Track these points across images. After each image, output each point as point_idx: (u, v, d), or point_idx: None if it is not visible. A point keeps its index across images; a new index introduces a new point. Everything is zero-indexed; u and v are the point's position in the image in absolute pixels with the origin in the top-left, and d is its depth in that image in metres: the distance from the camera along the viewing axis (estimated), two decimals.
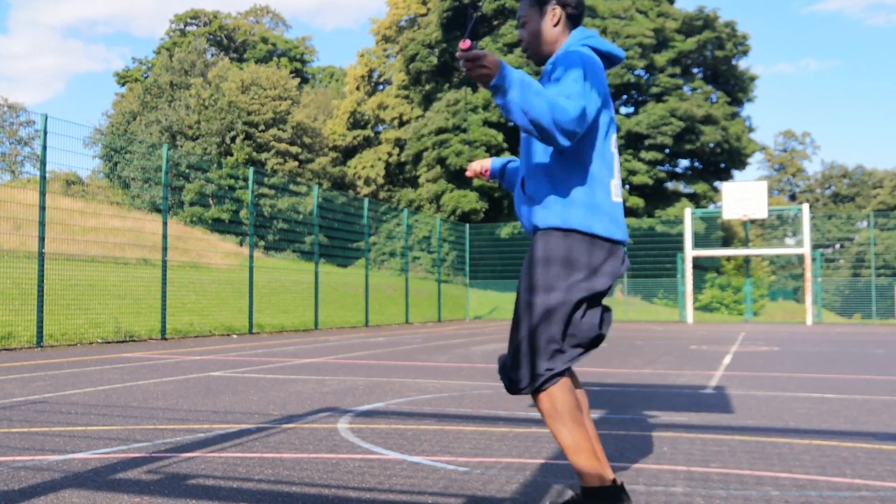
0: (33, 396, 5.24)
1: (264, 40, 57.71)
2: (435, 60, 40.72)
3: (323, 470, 3.03)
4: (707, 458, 3.29)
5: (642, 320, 25.17)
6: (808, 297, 23.37)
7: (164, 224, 12.32)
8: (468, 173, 2.83)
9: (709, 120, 36.45)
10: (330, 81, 58.56)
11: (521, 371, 2.23)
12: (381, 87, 49.91)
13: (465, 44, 2.03)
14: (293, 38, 59.94)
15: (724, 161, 38.58)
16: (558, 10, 2.37)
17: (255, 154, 39.88)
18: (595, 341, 2.33)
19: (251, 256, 14.67)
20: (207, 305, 14.84)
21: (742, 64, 42.94)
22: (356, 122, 47.10)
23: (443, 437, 3.76)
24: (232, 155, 39.62)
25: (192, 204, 33.70)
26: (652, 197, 36.69)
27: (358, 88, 48.63)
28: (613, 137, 2.34)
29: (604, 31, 35.71)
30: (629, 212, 34.61)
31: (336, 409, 4.69)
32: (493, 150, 36.83)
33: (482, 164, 2.80)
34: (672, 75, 37.48)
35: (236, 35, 57.95)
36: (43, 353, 9.23)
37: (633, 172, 35.58)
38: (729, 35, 38.46)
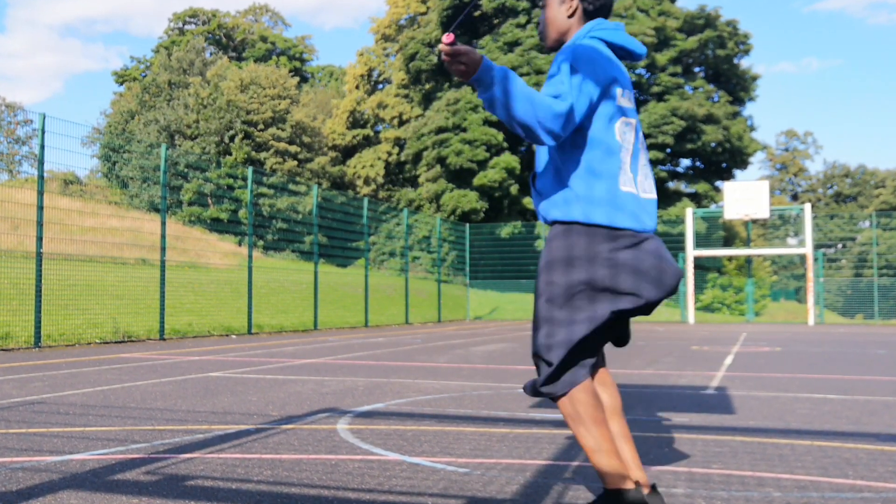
0: (31, 397, 5.22)
1: (263, 39, 57.68)
2: (435, 59, 40.69)
3: (322, 471, 3.01)
4: (708, 459, 3.28)
5: (643, 320, 25.16)
6: (810, 298, 23.33)
7: (163, 224, 12.30)
8: None
9: (710, 119, 36.42)
10: (329, 80, 58.56)
11: (540, 377, 2.23)
12: (380, 86, 49.91)
13: (448, 37, 2.01)
14: (292, 36, 59.98)
15: (725, 160, 38.55)
16: (575, 2, 2.34)
17: (253, 153, 39.87)
18: (618, 339, 2.32)
19: (250, 256, 14.65)
20: (206, 306, 14.83)
21: (744, 63, 42.84)
22: (356, 122, 47.09)
23: (443, 438, 3.74)
24: (231, 154, 39.60)
25: (190, 203, 33.68)
26: None
27: (357, 87, 48.61)
28: (621, 126, 2.25)
29: None
30: None
31: (335, 410, 4.67)
32: (493, 150, 36.82)
33: None
34: (673, 74, 37.43)
35: (235, 34, 57.93)
36: (41, 354, 9.21)
37: None
38: (730, 34, 38.42)
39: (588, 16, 2.37)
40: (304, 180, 38.36)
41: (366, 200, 19.79)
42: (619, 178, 2.24)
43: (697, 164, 39.60)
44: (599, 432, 2.17)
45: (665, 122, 35.41)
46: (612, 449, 2.18)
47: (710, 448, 3.53)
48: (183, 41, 52.37)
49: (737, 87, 39.58)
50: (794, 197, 65.78)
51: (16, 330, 10.17)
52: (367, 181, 44.54)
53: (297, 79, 45.69)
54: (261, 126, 40.22)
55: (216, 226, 31.82)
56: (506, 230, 31.07)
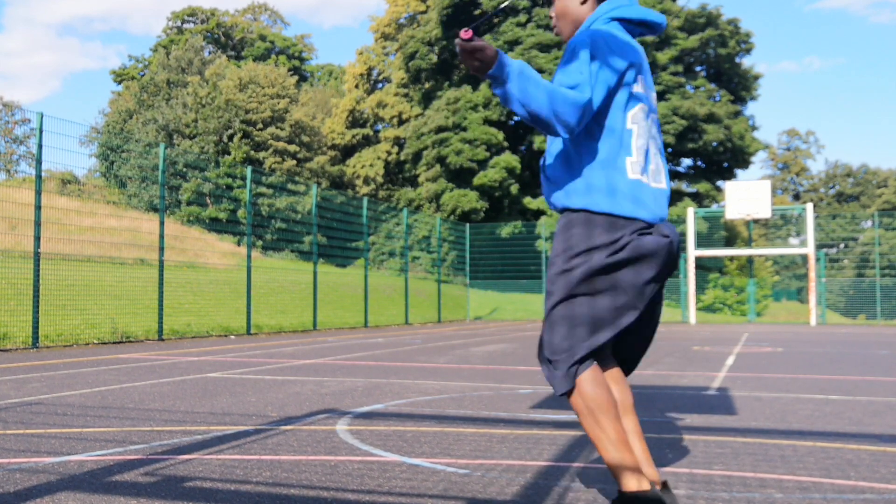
0: (29, 398, 5.20)
1: (262, 38, 57.68)
2: (435, 58, 40.68)
3: (322, 472, 2.99)
4: (710, 461, 3.26)
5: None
6: (812, 298, 23.29)
7: (161, 223, 12.28)
8: None
9: (712, 118, 36.37)
10: (328, 79, 58.54)
11: (551, 380, 2.22)
12: (380, 85, 49.89)
13: (466, 33, 1.99)
14: (291, 35, 60.11)
15: (727, 160, 38.53)
16: None
17: (252, 153, 39.84)
18: (624, 362, 2.34)
19: (249, 256, 14.63)
20: (205, 306, 14.80)
21: (745, 62, 42.88)
22: (355, 121, 47.06)
23: (443, 439, 3.72)
24: (229, 154, 39.57)
25: (189, 203, 33.66)
26: None
27: (357, 86, 48.60)
28: (636, 113, 2.22)
29: None
30: None
31: (335, 411, 4.65)
32: (493, 149, 36.79)
33: None
34: (674, 73, 37.40)
35: (234, 32, 57.91)
36: (38, 354, 9.19)
37: None
38: (732, 33, 38.38)
39: (599, 1, 2.32)
40: (304, 180, 38.34)
41: (365, 200, 19.77)
42: (631, 166, 2.20)
43: (699, 163, 39.58)
44: (610, 425, 2.14)
45: (666, 122, 35.37)
46: (623, 441, 2.14)
47: (712, 449, 3.52)
48: (181, 40, 52.34)
49: (738, 86, 39.54)
50: (796, 196, 65.81)
51: (13, 330, 10.15)
52: (366, 181, 44.52)
53: (296, 78, 45.69)
54: (260, 125, 40.19)
55: (215, 225, 31.82)
56: (506, 230, 31.05)
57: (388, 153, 44.23)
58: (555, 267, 2.24)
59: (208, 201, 34.87)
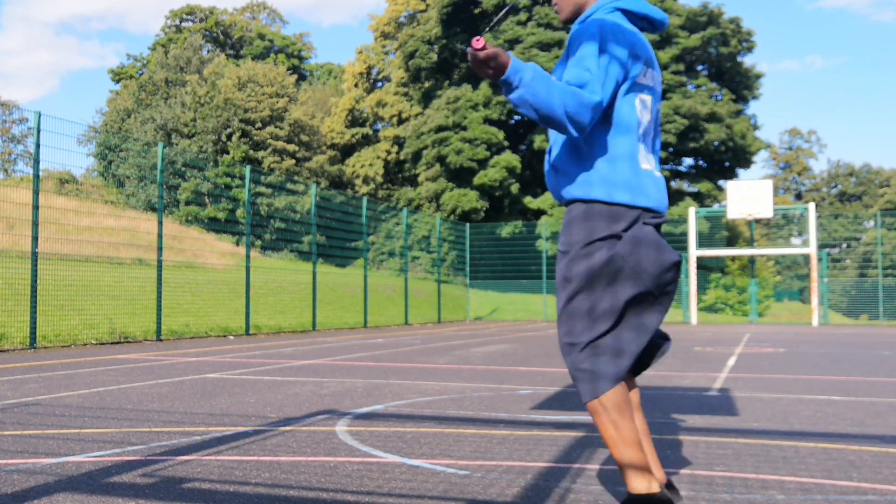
0: (26, 398, 5.19)
1: (261, 37, 57.65)
2: (434, 57, 40.66)
3: (321, 473, 2.98)
4: (711, 462, 3.25)
5: None
6: (814, 298, 23.27)
7: (160, 223, 12.26)
8: None
9: (713, 118, 36.34)
10: (328, 78, 58.49)
11: (576, 383, 2.20)
12: (379, 84, 49.87)
13: (477, 42, 1.98)
14: (290, 34, 60.06)
15: (728, 159, 38.50)
16: None
17: (251, 152, 39.80)
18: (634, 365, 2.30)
19: (248, 256, 14.61)
20: (203, 306, 14.78)
21: (747, 61, 42.87)
22: (354, 120, 47.04)
23: (443, 440, 3.70)
24: (228, 153, 39.54)
25: (187, 203, 33.64)
26: None
27: (356, 86, 48.57)
28: (641, 104, 2.21)
29: None
30: None
31: (334, 412, 4.64)
32: (493, 149, 36.77)
33: None
34: (676, 72, 37.36)
35: (233, 31, 57.89)
36: (36, 355, 9.17)
37: None
38: (733, 31, 38.34)
39: None
40: (303, 179, 38.32)
41: (365, 200, 19.76)
42: (638, 156, 2.20)
43: (700, 163, 39.56)
44: (624, 424, 2.12)
45: (667, 121, 35.36)
46: (636, 441, 2.12)
47: (713, 450, 3.50)
48: (180, 39, 52.32)
49: (740, 85, 39.52)
50: (798, 196, 65.81)
51: (11, 330, 10.13)
52: (365, 180, 44.50)
53: (295, 77, 45.65)
54: (258, 124, 40.16)
55: (213, 225, 31.80)
56: (506, 230, 31.04)
57: (388, 152, 44.21)
58: (569, 255, 2.20)
59: (207, 201, 34.85)
